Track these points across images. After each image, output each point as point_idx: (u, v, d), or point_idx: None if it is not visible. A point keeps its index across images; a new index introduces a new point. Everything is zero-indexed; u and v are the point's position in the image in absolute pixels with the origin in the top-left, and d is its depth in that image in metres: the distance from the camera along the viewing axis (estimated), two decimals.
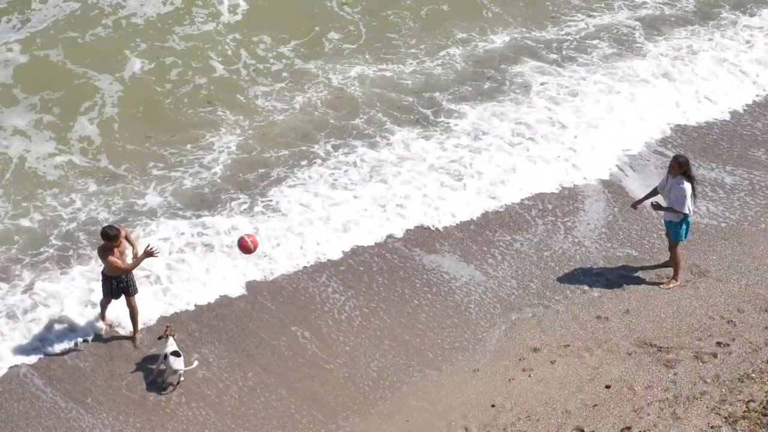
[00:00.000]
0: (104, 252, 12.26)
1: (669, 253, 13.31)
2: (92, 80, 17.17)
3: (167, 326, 12.35)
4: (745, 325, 12.58)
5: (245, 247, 12.29)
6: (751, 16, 19.63)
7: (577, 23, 19.39)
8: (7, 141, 15.93)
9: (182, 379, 12.08)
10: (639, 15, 19.67)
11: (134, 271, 12.51)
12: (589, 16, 19.56)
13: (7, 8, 18.68)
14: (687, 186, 12.71)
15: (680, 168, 12.73)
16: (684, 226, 12.92)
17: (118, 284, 12.42)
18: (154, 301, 13.15)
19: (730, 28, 19.22)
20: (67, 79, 17.21)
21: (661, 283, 13.28)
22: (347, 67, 17.91)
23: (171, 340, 12.17)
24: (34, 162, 15.58)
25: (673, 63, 18.10)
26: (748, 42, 18.81)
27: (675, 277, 13.18)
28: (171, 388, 12.05)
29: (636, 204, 13.44)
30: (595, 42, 18.79)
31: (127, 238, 12.53)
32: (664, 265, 13.52)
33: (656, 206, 13.02)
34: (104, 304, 12.75)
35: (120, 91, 16.98)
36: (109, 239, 12.13)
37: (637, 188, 14.96)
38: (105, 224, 13.57)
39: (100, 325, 12.78)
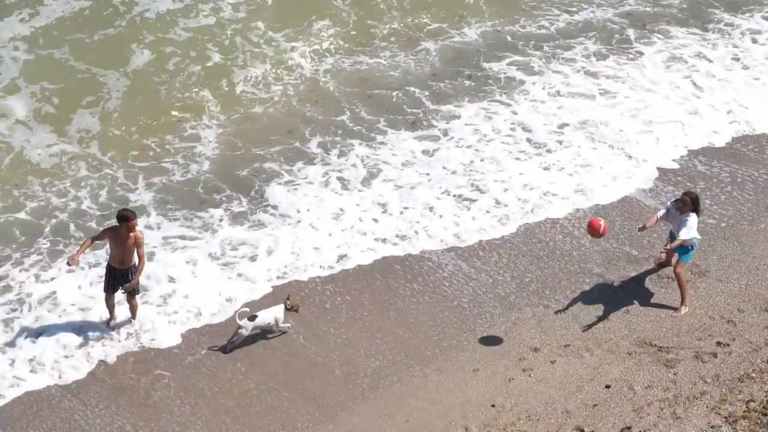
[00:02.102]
0: (111, 233, 12.17)
1: (674, 275, 12.97)
2: (97, 75, 17.27)
3: (297, 307, 12.57)
4: (745, 325, 12.58)
5: (596, 228, 12.39)
6: (746, 15, 19.62)
7: (554, 18, 19.27)
8: (9, 131, 16.04)
9: (239, 336, 12.43)
10: (618, 11, 19.55)
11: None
12: (566, 11, 19.47)
13: (18, 3, 18.79)
14: (694, 218, 12.56)
15: (692, 204, 12.57)
16: (692, 249, 12.75)
17: (115, 277, 12.35)
18: (152, 307, 13.14)
19: (717, 24, 19.15)
20: (71, 73, 17.32)
21: (659, 261, 13.39)
22: (333, 60, 17.95)
23: (279, 308, 12.45)
24: (31, 153, 15.66)
25: (667, 64, 18.06)
26: (752, 41, 18.83)
27: (683, 302, 12.85)
28: (233, 341, 12.45)
29: (643, 228, 12.78)
30: (579, 39, 18.70)
31: (138, 247, 12.32)
32: (664, 264, 13.51)
33: (671, 247, 12.71)
34: (107, 300, 12.63)
35: (124, 84, 17.10)
36: (126, 220, 12.00)
37: (641, 195, 15.02)
38: (95, 216, 13.87)
39: (103, 321, 12.74)
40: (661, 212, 12.90)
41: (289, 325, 12.69)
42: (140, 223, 14.32)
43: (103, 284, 12.58)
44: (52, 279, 13.43)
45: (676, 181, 15.28)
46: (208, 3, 19.08)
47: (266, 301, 13.06)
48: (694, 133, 16.38)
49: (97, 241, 12.42)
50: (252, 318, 12.44)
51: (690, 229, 12.55)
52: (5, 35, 17.93)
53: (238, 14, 18.96)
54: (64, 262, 13.62)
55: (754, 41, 18.80)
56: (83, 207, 14.67)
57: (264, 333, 12.62)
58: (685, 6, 19.77)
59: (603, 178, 15.39)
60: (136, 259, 12.36)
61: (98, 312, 12.91)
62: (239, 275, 13.60)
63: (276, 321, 12.53)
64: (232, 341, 12.48)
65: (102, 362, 12.35)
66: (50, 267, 13.62)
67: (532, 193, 15.07)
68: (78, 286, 13.33)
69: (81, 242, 12.48)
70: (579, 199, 15.00)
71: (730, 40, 18.79)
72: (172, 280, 13.48)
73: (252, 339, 12.60)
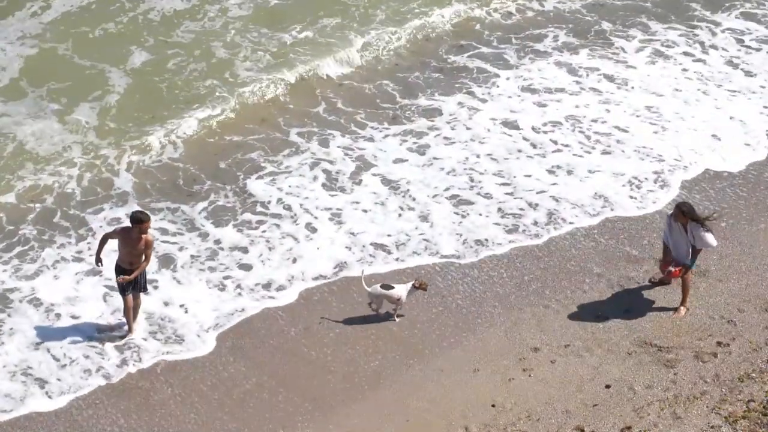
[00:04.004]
0: (123, 233, 12.17)
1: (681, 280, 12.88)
2: (101, 72, 17.50)
3: (426, 285, 12.76)
4: (745, 325, 12.57)
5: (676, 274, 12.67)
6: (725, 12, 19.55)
7: (523, 7, 19.19)
8: (12, 124, 16.25)
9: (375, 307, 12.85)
10: (586, 2, 19.49)
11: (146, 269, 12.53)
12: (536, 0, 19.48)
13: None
14: (701, 229, 12.45)
15: (684, 216, 12.45)
16: (697, 255, 12.70)
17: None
18: (151, 307, 13.11)
19: (700, 22, 19.07)
20: (76, 69, 17.51)
21: (654, 281, 13.30)
22: (303, 50, 18.13)
23: (407, 286, 12.70)
24: (30, 145, 15.85)
25: (652, 60, 17.95)
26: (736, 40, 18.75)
27: (683, 303, 12.81)
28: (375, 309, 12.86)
29: (664, 267, 12.77)
30: (551, 30, 18.59)
31: (147, 249, 12.29)
32: (663, 282, 13.36)
33: (687, 267, 12.72)
34: (126, 303, 12.49)
35: (126, 81, 17.27)
36: (140, 222, 12.00)
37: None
38: (82, 207, 14.28)
39: (126, 332, 12.66)
40: (667, 236, 12.78)
41: (403, 315, 12.88)
42: (121, 213, 14.45)
43: (119, 289, 12.46)
44: (38, 274, 13.49)
45: (694, 188, 15.13)
46: (213, 4, 19.15)
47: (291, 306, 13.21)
48: (701, 137, 16.24)
49: (109, 239, 12.40)
50: (385, 287, 12.70)
51: (709, 240, 12.44)
52: (13, 31, 18.17)
53: (241, 11, 19.02)
54: (48, 256, 13.69)
55: (740, 42, 18.70)
56: (67, 191, 14.92)
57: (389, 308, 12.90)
58: (657, 0, 19.70)
59: (624, 186, 15.07)
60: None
61: (88, 310, 12.95)
62: (234, 285, 13.51)
63: (400, 298, 12.74)
64: (373, 309, 12.86)
65: (100, 363, 12.33)
66: (37, 259, 13.71)
67: (542, 199, 14.88)
68: (64, 282, 13.39)
69: (98, 241, 12.51)
70: (599, 206, 14.73)
71: (715, 38, 18.67)
72: (157, 285, 13.43)
73: (253, 342, 12.70)
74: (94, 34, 18.27)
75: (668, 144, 15.99)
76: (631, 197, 14.86)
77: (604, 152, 15.85)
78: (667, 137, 16.14)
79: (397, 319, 12.81)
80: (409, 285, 12.78)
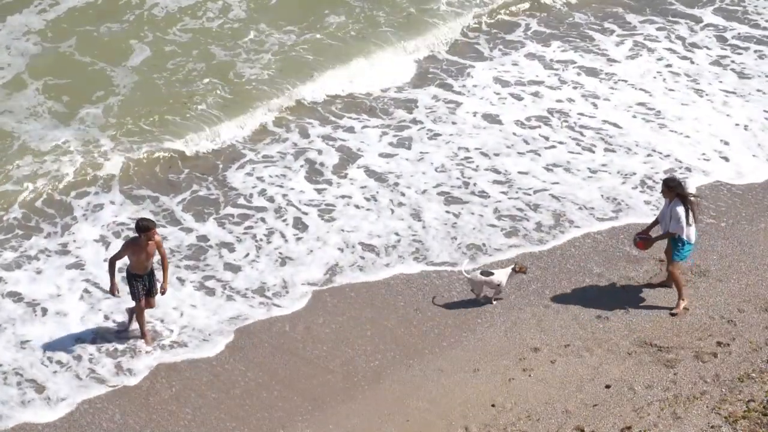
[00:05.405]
0: (132, 246, 12.13)
1: (668, 274, 12.91)
2: (103, 70, 17.55)
3: (525, 269, 13.06)
4: (745, 325, 12.57)
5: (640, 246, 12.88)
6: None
7: None
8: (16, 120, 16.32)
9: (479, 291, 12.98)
10: None
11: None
12: None
13: None
14: (681, 209, 12.35)
15: (670, 191, 12.41)
16: (685, 246, 12.55)
17: (142, 282, 12.27)
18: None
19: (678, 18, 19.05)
20: (79, 65, 17.58)
21: (652, 283, 13.31)
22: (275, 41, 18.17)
23: (507, 270, 12.84)
24: (30, 140, 15.88)
25: (634, 53, 17.91)
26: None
27: (681, 297, 12.78)
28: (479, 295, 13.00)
29: (641, 236, 12.87)
30: (521, 18, 18.57)
31: (159, 248, 12.25)
32: (664, 284, 13.35)
33: (652, 239, 12.80)
34: (141, 309, 12.39)
35: (131, 80, 17.30)
36: (146, 230, 11.96)
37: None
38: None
39: (141, 344, 12.53)
40: (659, 213, 12.88)
41: (502, 299, 13.02)
42: (104, 200, 14.52)
43: (132, 295, 12.34)
44: (19, 266, 13.51)
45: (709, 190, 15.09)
46: (216, 2, 19.16)
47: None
48: (698, 133, 16.24)
49: (118, 260, 12.26)
50: (486, 273, 12.82)
51: (680, 222, 12.35)
52: (19, 28, 18.23)
53: (241, 12, 19.02)
54: (31, 248, 13.72)
55: (723, 39, 18.63)
56: (56, 181, 15.00)
57: (486, 296, 13.02)
58: None
59: (636, 187, 14.95)
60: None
61: (76, 308, 12.95)
62: (229, 287, 13.43)
63: (500, 284, 12.85)
64: (479, 295, 12.99)
65: (97, 365, 12.31)
66: (20, 247, 13.75)
67: (543, 199, 14.82)
68: (46, 276, 13.40)
69: (108, 270, 12.29)
70: (609, 209, 14.63)
71: (695, 35, 18.59)
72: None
73: (253, 342, 12.67)
74: (99, 32, 18.24)
75: (673, 143, 15.94)
76: (646, 202, 14.76)
77: (607, 150, 15.80)
78: (671, 137, 16.11)
79: (495, 302, 12.95)
80: (509, 269, 12.91)
